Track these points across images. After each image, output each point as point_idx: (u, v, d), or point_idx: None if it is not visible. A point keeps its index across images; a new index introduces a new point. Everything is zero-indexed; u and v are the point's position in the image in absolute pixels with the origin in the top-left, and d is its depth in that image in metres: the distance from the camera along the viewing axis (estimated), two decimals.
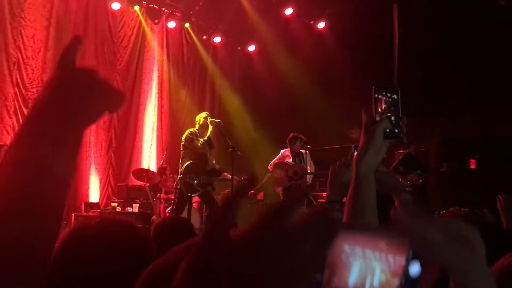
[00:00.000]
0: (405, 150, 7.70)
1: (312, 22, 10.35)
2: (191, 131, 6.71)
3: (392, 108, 1.26)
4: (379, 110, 1.26)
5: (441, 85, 8.09)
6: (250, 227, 0.50)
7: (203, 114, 6.90)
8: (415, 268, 0.54)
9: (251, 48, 11.52)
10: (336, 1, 9.51)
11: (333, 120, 9.34)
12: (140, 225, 1.18)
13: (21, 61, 8.61)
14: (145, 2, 9.82)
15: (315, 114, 9.69)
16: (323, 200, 8.62)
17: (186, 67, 11.07)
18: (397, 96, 1.28)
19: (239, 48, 11.83)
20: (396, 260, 0.54)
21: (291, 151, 7.45)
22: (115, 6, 9.47)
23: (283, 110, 10.35)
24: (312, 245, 0.48)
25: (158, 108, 10.48)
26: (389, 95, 1.28)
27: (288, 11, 10.04)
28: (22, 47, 8.62)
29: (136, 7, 9.81)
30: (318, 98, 9.76)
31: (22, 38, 8.61)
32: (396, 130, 1.25)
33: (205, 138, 6.63)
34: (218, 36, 11.16)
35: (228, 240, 0.49)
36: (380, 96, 1.28)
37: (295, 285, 0.47)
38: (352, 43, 9.19)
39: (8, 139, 8.21)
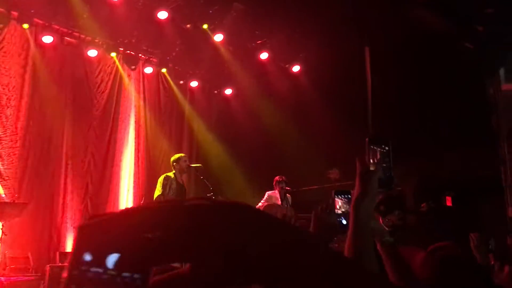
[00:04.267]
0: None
1: (287, 65, 10.58)
2: (166, 176, 6.62)
3: (384, 158, 1.35)
4: (373, 160, 1.33)
5: (416, 126, 8.28)
6: None
7: (179, 155, 6.81)
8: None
9: (228, 91, 11.67)
10: (311, 45, 9.77)
11: (310, 161, 9.42)
12: None
13: None
14: (121, 49, 9.91)
15: (292, 155, 9.76)
16: None
17: (163, 112, 11.10)
18: (389, 147, 1.37)
19: (216, 92, 11.96)
20: None
21: (279, 193, 7.37)
22: (92, 53, 9.54)
23: (261, 152, 10.40)
24: None
25: (135, 153, 10.40)
26: (382, 146, 1.36)
27: (264, 55, 10.26)
28: None
29: (113, 54, 9.89)
30: (295, 139, 9.87)
31: None
32: (388, 179, 1.34)
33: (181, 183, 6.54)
34: (195, 80, 11.29)
35: None
36: (373, 147, 1.35)
37: None
38: (327, 86, 9.39)
39: None
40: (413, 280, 1.47)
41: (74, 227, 9.18)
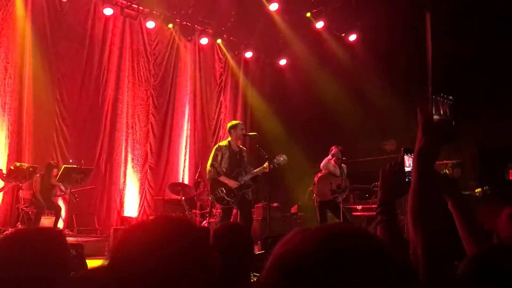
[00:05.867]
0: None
1: (343, 34, 10.36)
2: (218, 146, 6.60)
3: (448, 110, 1.33)
4: (437, 111, 1.32)
5: (476, 93, 7.95)
6: None
7: (237, 122, 6.71)
8: None
9: (282, 62, 11.61)
10: (367, 13, 9.51)
11: (366, 132, 9.29)
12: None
13: (61, 79, 8.99)
14: (178, 20, 10.05)
15: (347, 126, 9.65)
16: (357, 213, 8.55)
17: (218, 82, 11.24)
18: (453, 100, 1.35)
19: (270, 62, 11.93)
20: None
21: (336, 163, 7.22)
22: (150, 24, 9.74)
23: (315, 123, 10.35)
24: None
25: (191, 123, 10.66)
26: (446, 97, 1.34)
27: (319, 24, 10.09)
28: (62, 68, 8.99)
29: (170, 25, 10.05)
30: (350, 110, 9.73)
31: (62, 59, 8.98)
32: (451, 133, 1.30)
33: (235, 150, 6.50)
34: (249, 51, 11.30)
35: None
36: (438, 98, 1.34)
37: None
38: (385, 54, 9.14)
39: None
40: (484, 236, 1.45)
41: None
